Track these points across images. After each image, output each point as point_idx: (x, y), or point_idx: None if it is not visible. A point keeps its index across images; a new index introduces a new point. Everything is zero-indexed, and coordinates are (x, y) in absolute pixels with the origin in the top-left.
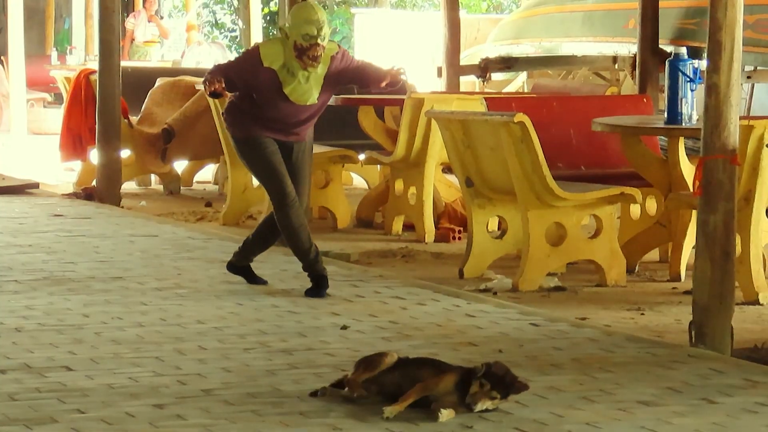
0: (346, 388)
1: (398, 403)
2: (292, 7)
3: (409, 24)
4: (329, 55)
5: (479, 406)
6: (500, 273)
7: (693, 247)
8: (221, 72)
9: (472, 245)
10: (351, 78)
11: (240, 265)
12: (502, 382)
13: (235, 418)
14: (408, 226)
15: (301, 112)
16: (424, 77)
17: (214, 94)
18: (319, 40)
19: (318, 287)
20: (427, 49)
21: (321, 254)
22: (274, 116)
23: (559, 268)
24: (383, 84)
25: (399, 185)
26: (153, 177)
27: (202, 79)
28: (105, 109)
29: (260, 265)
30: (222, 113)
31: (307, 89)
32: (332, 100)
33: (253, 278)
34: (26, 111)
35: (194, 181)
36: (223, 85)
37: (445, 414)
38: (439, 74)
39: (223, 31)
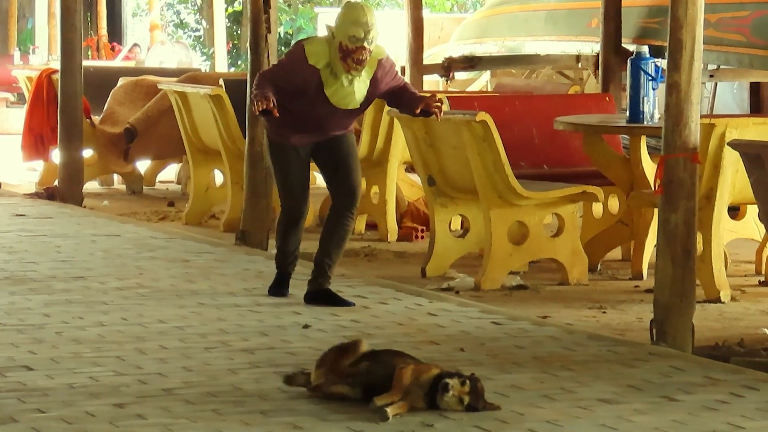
0: (326, 377)
1: (392, 393)
2: (342, 8)
3: None
4: (376, 59)
5: (448, 396)
6: (462, 272)
7: (655, 246)
8: (269, 82)
9: (435, 244)
10: (389, 91)
11: (318, 290)
12: (478, 397)
13: (195, 417)
14: (371, 225)
15: (341, 116)
16: None
17: (264, 112)
18: (365, 44)
19: (279, 285)
20: (390, 48)
21: (297, 259)
22: (313, 118)
23: (521, 267)
24: (417, 110)
25: (362, 184)
26: (115, 177)
27: (253, 95)
28: (67, 108)
29: (221, 264)
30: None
31: (349, 93)
32: None
33: (338, 301)
34: None
35: (157, 180)
36: (273, 104)
37: (391, 411)
38: (403, 73)
39: (186, 30)
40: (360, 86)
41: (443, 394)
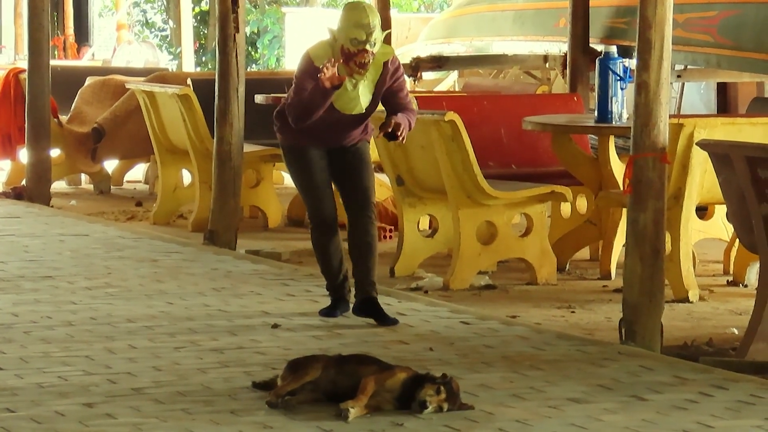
0: (270, 396)
1: (356, 400)
2: (344, 8)
3: None
4: (382, 60)
5: (431, 409)
6: (431, 271)
7: (623, 245)
8: (299, 95)
9: (403, 244)
10: (385, 93)
11: (366, 297)
12: (455, 398)
13: (165, 416)
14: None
15: (348, 121)
16: None
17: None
18: (367, 46)
19: (334, 308)
20: None
21: (347, 278)
22: (323, 124)
23: (489, 267)
24: (383, 129)
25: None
26: (83, 176)
27: (324, 83)
28: (34, 108)
29: (190, 264)
30: (274, 116)
31: (354, 97)
32: (261, 99)
33: (380, 317)
34: None
35: (124, 180)
36: (331, 63)
37: (353, 413)
38: None
39: (153, 30)
40: (365, 91)
41: (422, 411)
